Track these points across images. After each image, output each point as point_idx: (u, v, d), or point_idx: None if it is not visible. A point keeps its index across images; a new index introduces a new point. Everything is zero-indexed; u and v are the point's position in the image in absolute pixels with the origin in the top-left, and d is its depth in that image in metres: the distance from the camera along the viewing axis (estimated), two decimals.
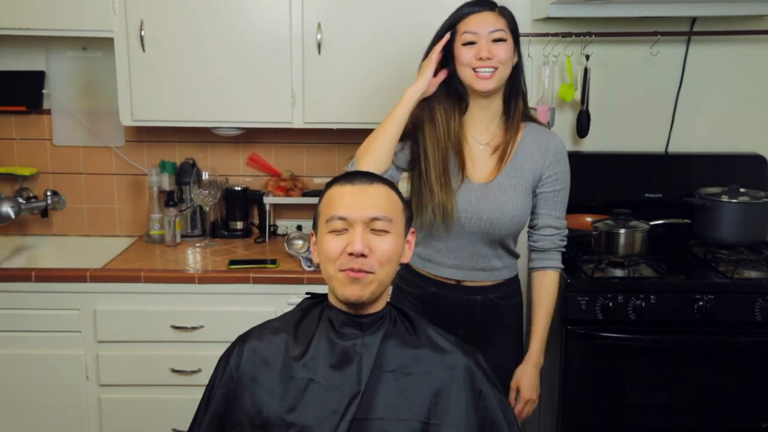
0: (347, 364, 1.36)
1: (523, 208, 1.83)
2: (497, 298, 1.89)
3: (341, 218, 1.37)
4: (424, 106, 1.81)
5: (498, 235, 1.83)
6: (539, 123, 1.91)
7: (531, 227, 1.92)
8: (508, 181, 1.82)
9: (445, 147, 1.79)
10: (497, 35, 1.75)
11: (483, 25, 1.75)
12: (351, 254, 1.34)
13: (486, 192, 1.80)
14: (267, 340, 1.41)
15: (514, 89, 1.84)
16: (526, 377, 1.86)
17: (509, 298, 1.92)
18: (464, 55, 1.76)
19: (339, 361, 1.36)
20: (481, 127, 1.85)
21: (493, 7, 1.79)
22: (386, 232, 1.38)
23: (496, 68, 1.75)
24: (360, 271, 1.35)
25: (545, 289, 1.90)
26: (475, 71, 1.75)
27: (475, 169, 1.83)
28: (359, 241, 1.34)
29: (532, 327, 1.90)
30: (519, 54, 1.83)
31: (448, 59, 1.80)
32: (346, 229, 1.37)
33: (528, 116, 1.89)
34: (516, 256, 1.94)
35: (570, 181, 1.90)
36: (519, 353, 1.92)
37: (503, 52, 1.75)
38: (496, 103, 1.84)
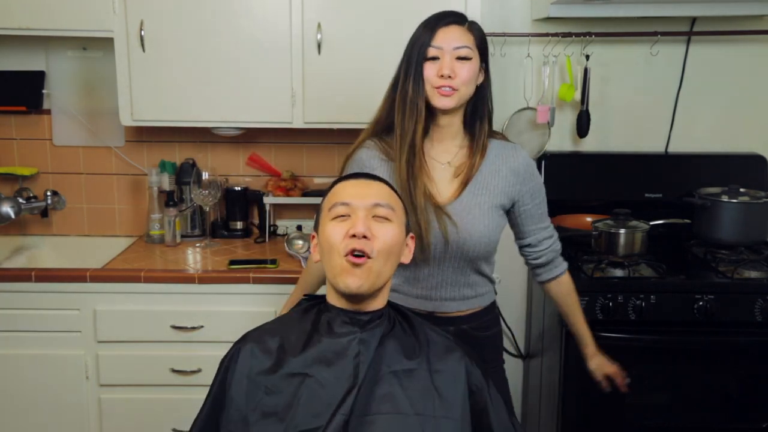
0: (344, 360, 1.36)
1: (490, 227, 1.74)
2: (472, 329, 1.79)
3: (344, 204, 1.39)
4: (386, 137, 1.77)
5: (467, 259, 1.75)
6: (503, 139, 1.83)
7: (525, 246, 1.86)
8: (473, 199, 1.73)
9: (406, 174, 1.70)
10: (462, 52, 1.67)
11: (448, 40, 1.67)
12: (353, 236, 1.35)
13: (449, 214, 1.71)
14: (263, 340, 1.42)
15: (478, 110, 1.76)
16: (606, 363, 1.95)
17: (486, 329, 1.83)
18: (427, 70, 1.68)
19: (336, 358, 1.36)
20: (441, 146, 1.76)
21: (462, 21, 1.70)
22: (388, 220, 1.40)
23: (456, 89, 1.67)
24: (362, 253, 1.35)
25: (566, 293, 1.92)
26: (436, 89, 1.68)
27: (437, 191, 1.74)
28: (361, 223, 1.36)
29: (574, 330, 1.96)
30: (487, 73, 1.75)
31: (413, 79, 1.70)
32: (349, 215, 1.38)
33: (492, 134, 1.81)
34: (491, 281, 1.86)
35: (547, 191, 1.86)
36: (501, 389, 1.78)
37: (466, 71, 1.67)
38: (457, 122, 1.75)
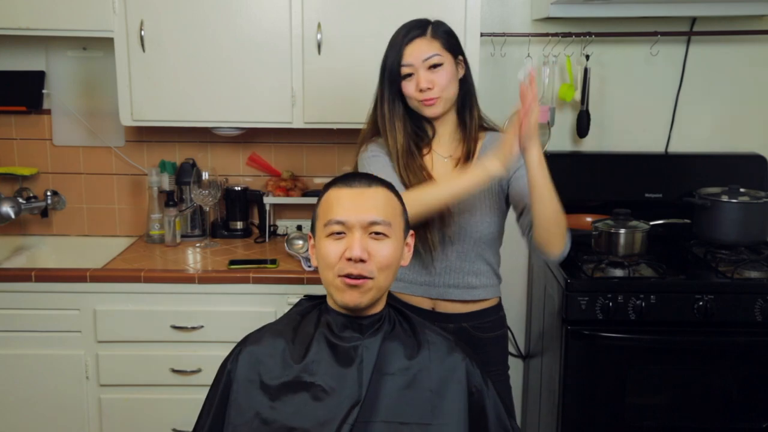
0: (347, 367, 1.36)
1: (491, 208, 1.79)
2: (472, 328, 1.81)
3: (339, 222, 1.36)
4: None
5: (471, 243, 1.78)
6: (497, 130, 1.86)
7: (523, 214, 1.74)
8: None
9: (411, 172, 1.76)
10: (432, 61, 1.72)
11: (416, 54, 1.72)
12: (350, 259, 1.34)
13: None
14: (265, 344, 1.41)
15: (467, 101, 1.81)
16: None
17: (489, 330, 1.84)
18: (406, 89, 1.75)
19: (339, 364, 1.36)
20: (442, 141, 1.83)
21: (424, 30, 1.74)
22: (385, 236, 1.37)
23: (438, 97, 1.73)
24: (359, 277, 1.34)
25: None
26: (420, 102, 1.74)
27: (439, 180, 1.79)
28: (358, 246, 1.34)
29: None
30: (466, 64, 1.80)
31: (390, 99, 1.77)
32: (345, 233, 1.36)
33: (485, 126, 1.85)
34: (497, 276, 1.87)
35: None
36: (503, 396, 1.75)
37: (442, 77, 1.72)
38: (451, 118, 1.81)
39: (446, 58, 1.74)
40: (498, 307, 1.88)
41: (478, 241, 1.79)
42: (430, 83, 1.72)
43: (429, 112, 1.76)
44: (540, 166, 1.59)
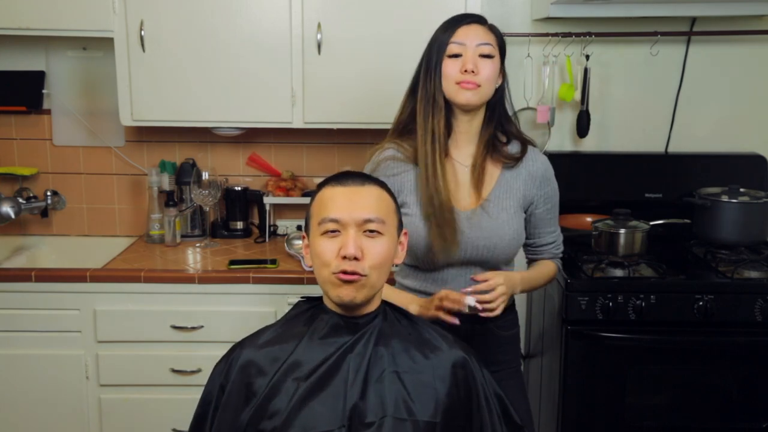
0: (344, 366, 1.35)
1: (518, 230, 1.77)
2: (496, 327, 1.81)
3: (333, 220, 1.37)
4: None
5: (495, 261, 1.77)
6: (524, 139, 1.82)
7: (528, 245, 1.88)
8: (499, 203, 1.75)
9: (432, 186, 1.70)
10: (485, 50, 1.66)
11: (471, 36, 1.66)
12: (344, 257, 1.34)
13: (478, 219, 1.73)
14: (261, 346, 1.41)
15: (495, 112, 1.76)
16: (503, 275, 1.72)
17: (507, 328, 1.86)
18: (449, 67, 1.66)
19: (335, 363, 1.36)
20: (463, 147, 1.76)
21: (483, 21, 1.72)
22: (379, 234, 1.38)
23: (479, 85, 1.66)
24: (353, 273, 1.35)
25: (540, 265, 1.90)
26: (459, 84, 1.66)
27: (460, 195, 1.75)
28: (352, 244, 1.34)
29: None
30: (504, 75, 1.75)
31: (433, 76, 1.69)
32: (339, 231, 1.37)
33: (513, 135, 1.80)
34: None
35: (559, 193, 1.87)
36: (518, 393, 1.83)
37: (489, 69, 1.66)
38: (477, 122, 1.74)
39: (496, 56, 1.69)
40: (514, 305, 1.91)
41: (504, 260, 1.80)
42: (476, 68, 1.65)
43: (464, 97, 1.66)
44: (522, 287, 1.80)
